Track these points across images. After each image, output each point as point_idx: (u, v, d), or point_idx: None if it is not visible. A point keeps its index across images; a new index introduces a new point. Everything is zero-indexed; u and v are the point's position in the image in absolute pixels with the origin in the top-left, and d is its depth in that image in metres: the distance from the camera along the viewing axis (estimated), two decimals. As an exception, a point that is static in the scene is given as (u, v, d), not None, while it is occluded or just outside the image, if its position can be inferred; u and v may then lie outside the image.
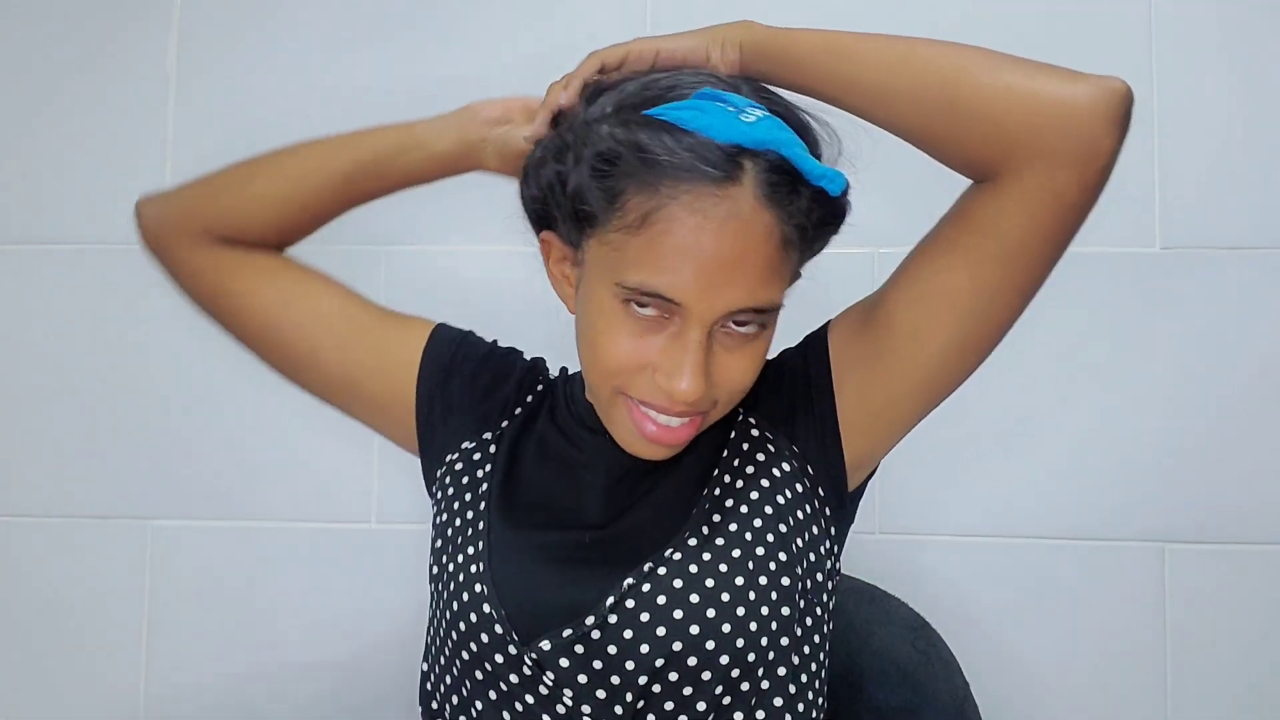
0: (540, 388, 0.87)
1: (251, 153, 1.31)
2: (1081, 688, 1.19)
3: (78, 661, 1.30)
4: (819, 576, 0.76)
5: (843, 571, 0.97)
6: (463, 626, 0.74)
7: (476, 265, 1.29)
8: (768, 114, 0.69)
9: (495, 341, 0.90)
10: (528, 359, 0.90)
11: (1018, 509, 1.22)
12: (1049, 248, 0.68)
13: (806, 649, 0.75)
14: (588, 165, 0.69)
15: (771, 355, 0.80)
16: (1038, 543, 1.21)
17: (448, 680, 0.77)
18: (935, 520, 1.20)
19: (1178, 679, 1.19)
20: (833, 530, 0.78)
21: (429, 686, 0.80)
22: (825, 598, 0.78)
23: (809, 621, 0.75)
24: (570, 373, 0.87)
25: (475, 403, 0.85)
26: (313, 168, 0.86)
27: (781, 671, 0.72)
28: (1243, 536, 1.19)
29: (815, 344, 0.79)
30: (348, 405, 0.89)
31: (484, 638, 0.73)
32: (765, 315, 0.70)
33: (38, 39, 1.36)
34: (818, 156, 0.71)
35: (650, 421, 0.71)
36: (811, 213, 0.68)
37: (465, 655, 0.74)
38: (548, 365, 0.90)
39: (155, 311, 1.32)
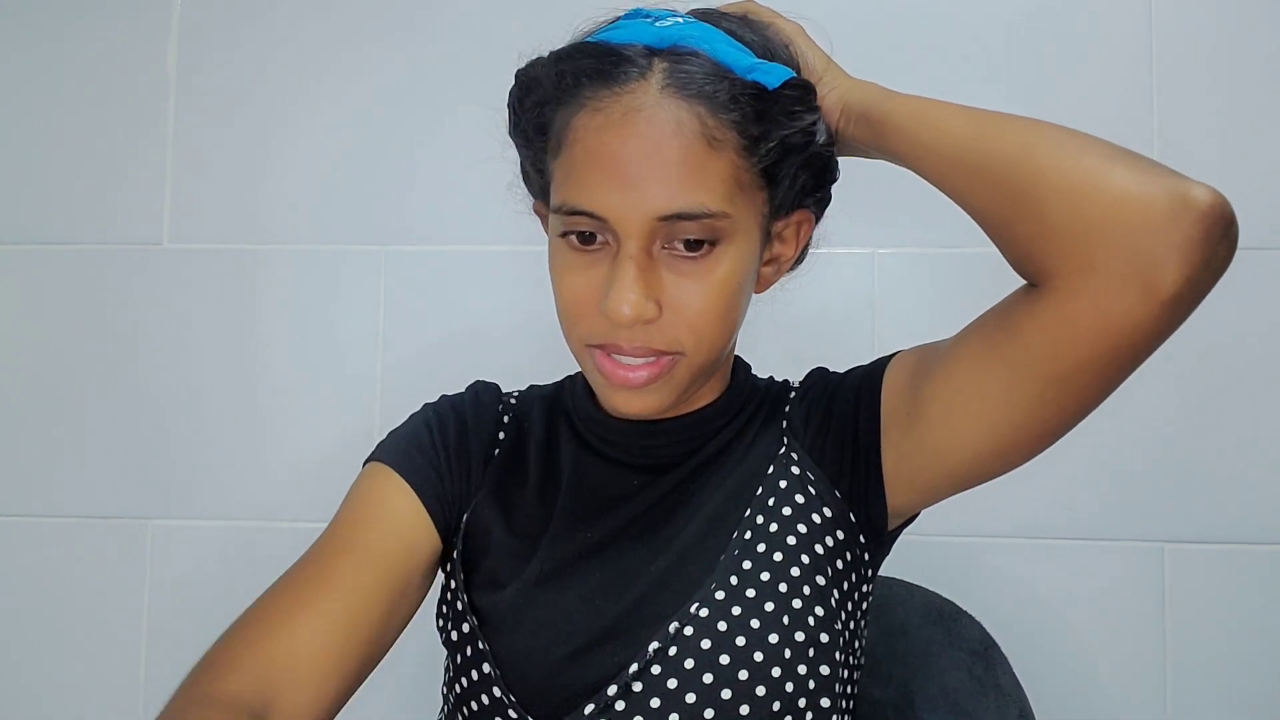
0: (508, 418, 0.79)
1: (250, 152, 1.32)
2: (1081, 687, 1.19)
3: (77, 661, 1.30)
4: (854, 625, 0.70)
5: (908, 582, 0.97)
6: (474, 706, 0.68)
7: (476, 265, 1.29)
8: (691, 20, 0.67)
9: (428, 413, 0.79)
10: (480, 387, 0.82)
11: (1017, 509, 1.22)
12: (1097, 378, 0.59)
13: (844, 703, 0.68)
14: (516, 99, 0.69)
15: (823, 370, 0.78)
16: (1037, 543, 1.21)
17: None
18: (934, 521, 1.20)
19: (1178, 679, 1.18)
20: (869, 573, 0.72)
21: None
22: (859, 645, 0.72)
23: (846, 674, 0.68)
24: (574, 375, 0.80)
25: (463, 460, 0.76)
26: None
27: None
28: (1243, 536, 1.19)
29: (869, 384, 0.70)
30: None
31: None
32: (707, 225, 0.63)
33: (38, 39, 1.36)
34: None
35: (612, 364, 0.66)
36: (747, 108, 0.63)
37: None
38: (503, 389, 0.83)
39: (154, 311, 1.32)
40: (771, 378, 0.81)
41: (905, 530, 0.77)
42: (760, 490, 0.71)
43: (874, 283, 1.24)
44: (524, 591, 0.70)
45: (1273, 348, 1.20)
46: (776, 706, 0.63)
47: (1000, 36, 1.26)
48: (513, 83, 0.71)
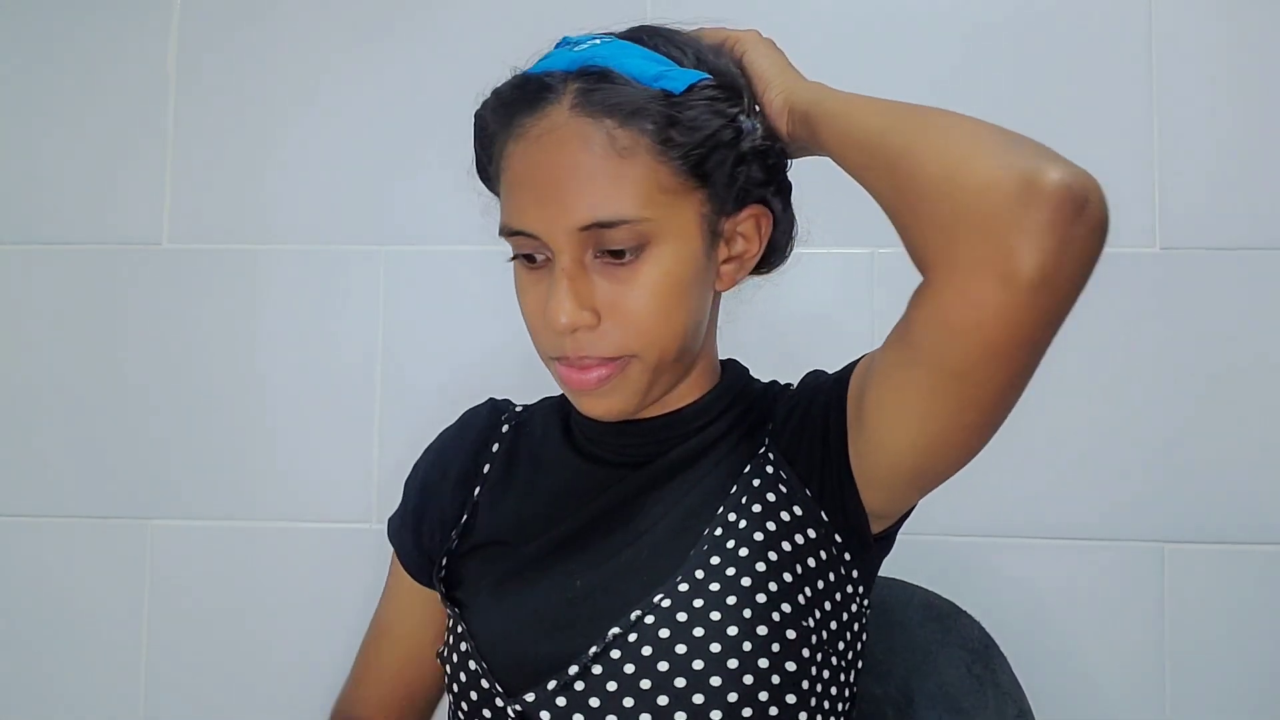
0: (508, 426, 0.85)
1: (250, 152, 1.32)
2: (1081, 687, 1.19)
3: (77, 662, 1.30)
4: (834, 625, 0.70)
5: (908, 582, 0.96)
6: (455, 688, 0.74)
7: (476, 265, 1.29)
8: (610, 39, 0.70)
9: (417, 467, 0.88)
10: (474, 410, 0.88)
11: (1017, 509, 1.22)
12: (988, 371, 0.58)
13: (825, 703, 0.69)
14: (475, 138, 0.75)
15: (807, 373, 0.78)
16: (1037, 542, 1.21)
17: None
18: (934, 520, 1.20)
19: (1177, 679, 1.18)
20: (855, 573, 0.72)
21: None
22: (844, 646, 0.72)
23: (825, 674, 0.69)
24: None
25: (447, 511, 0.83)
26: None
27: None
28: (1243, 536, 1.19)
29: (839, 386, 0.71)
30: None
31: (473, 695, 0.72)
32: (628, 231, 0.65)
33: (38, 39, 1.36)
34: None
35: (568, 370, 0.70)
36: (656, 115, 0.65)
37: (465, 707, 0.73)
38: (513, 402, 0.89)
39: (154, 311, 1.32)
40: (775, 381, 0.81)
41: (906, 530, 0.76)
42: (735, 488, 0.72)
43: (874, 283, 1.24)
44: (502, 577, 0.76)
45: (1273, 347, 1.20)
46: (733, 698, 0.65)
47: (1000, 37, 1.26)
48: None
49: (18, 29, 1.36)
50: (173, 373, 1.32)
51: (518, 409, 0.87)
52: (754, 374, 0.83)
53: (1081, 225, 0.53)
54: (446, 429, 0.88)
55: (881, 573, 0.91)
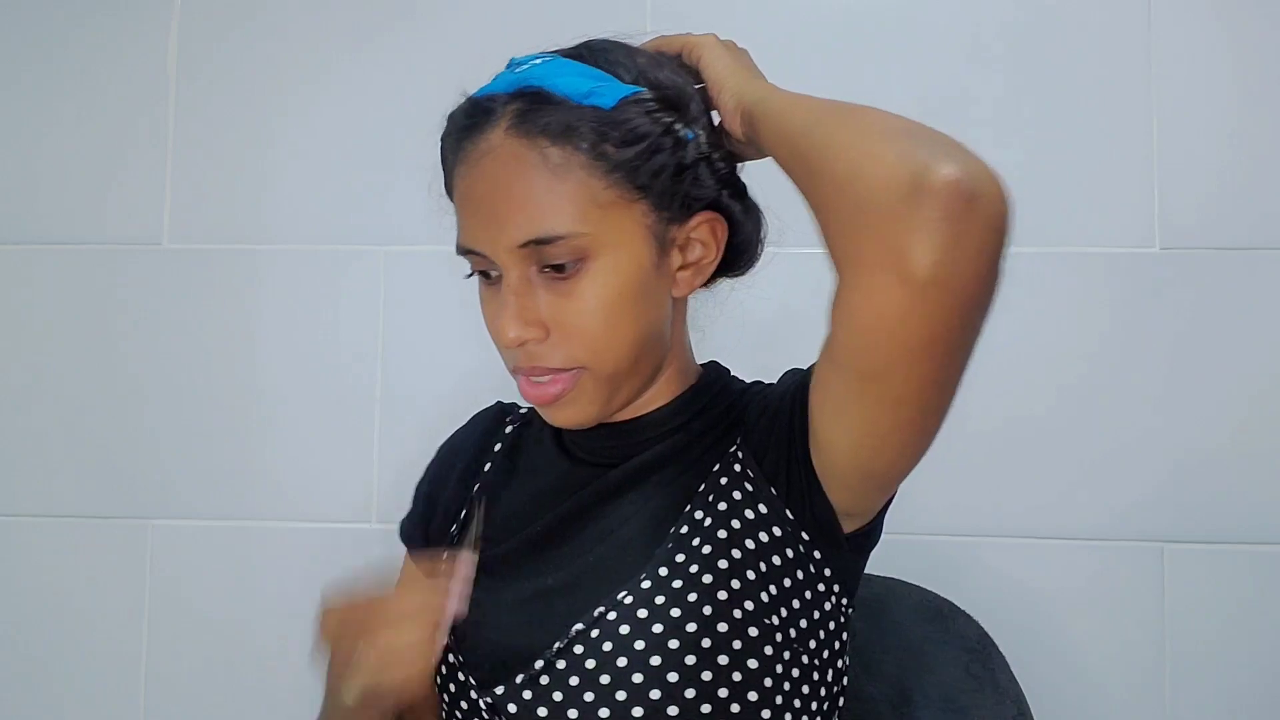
0: (511, 428, 0.87)
1: (250, 152, 1.33)
2: (1080, 687, 1.19)
3: (77, 662, 1.30)
4: (803, 623, 0.70)
5: (906, 581, 0.96)
6: (439, 680, 0.76)
7: (476, 265, 1.29)
8: (550, 58, 0.71)
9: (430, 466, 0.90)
10: (483, 411, 0.90)
11: (1017, 509, 1.22)
12: (903, 371, 0.58)
13: (795, 701, 0.69)
14: (440, 160, 0.76)
15: (785, 371, 0.78)
16: (1036, 542, 1.21)
17: None
18: (932, 519, 1.20)
19: (1177, 679, 1.18)
20: (827, 571, 0.71)
21: None
22: (816, 644, 0.71)
23: (794, 673, 0.69)
24: None
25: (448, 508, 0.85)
26: None
27: None
28: (1243, 536, 1.19)
29: (803, 385, 0.70)
30: None
31: (452, 687, 0.74)
32: (566, 246, 0.67)
33: (38, 39, 1.36)
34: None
35: (526, 384, 0.72)
36: (587, 132, 0.67)
37: (446, 699, 0.75)
38: (519, 405, 0.90)
39: (155, 311, 1.32)
40: (757, 381, 0.81)
41: (905, 529, 0.76)
42: (703, 487, 0.72)
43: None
44: (484, 572, 0.76)
45: (1273, 347, 1.20)
46: (691, 694, 0.65)
47: (1000, 38, 1.26)
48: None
49: (18, 29, 1.36)
50: (173, 373, 1.32)
51: (523, 410, 0.89)
52: (744, 376, 0.82)
53: (973, 220, 0.53)
54: (457, 430, 0.90)
55: (880, 572, 0.91)
